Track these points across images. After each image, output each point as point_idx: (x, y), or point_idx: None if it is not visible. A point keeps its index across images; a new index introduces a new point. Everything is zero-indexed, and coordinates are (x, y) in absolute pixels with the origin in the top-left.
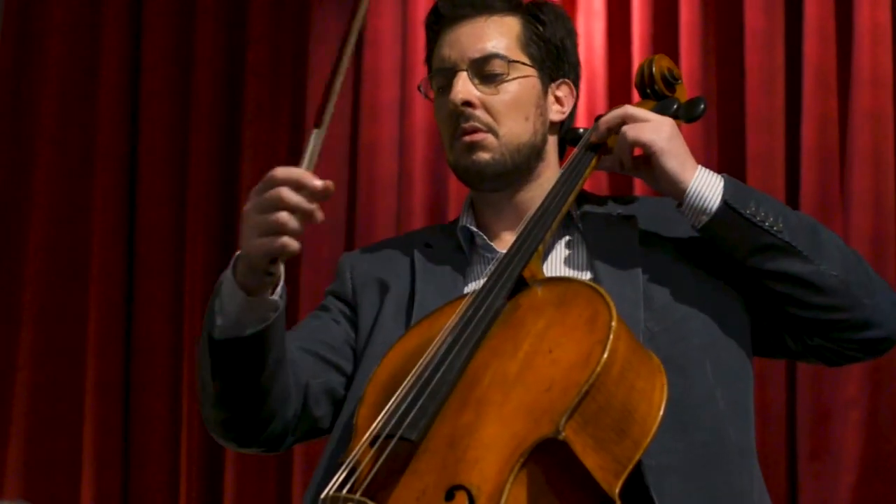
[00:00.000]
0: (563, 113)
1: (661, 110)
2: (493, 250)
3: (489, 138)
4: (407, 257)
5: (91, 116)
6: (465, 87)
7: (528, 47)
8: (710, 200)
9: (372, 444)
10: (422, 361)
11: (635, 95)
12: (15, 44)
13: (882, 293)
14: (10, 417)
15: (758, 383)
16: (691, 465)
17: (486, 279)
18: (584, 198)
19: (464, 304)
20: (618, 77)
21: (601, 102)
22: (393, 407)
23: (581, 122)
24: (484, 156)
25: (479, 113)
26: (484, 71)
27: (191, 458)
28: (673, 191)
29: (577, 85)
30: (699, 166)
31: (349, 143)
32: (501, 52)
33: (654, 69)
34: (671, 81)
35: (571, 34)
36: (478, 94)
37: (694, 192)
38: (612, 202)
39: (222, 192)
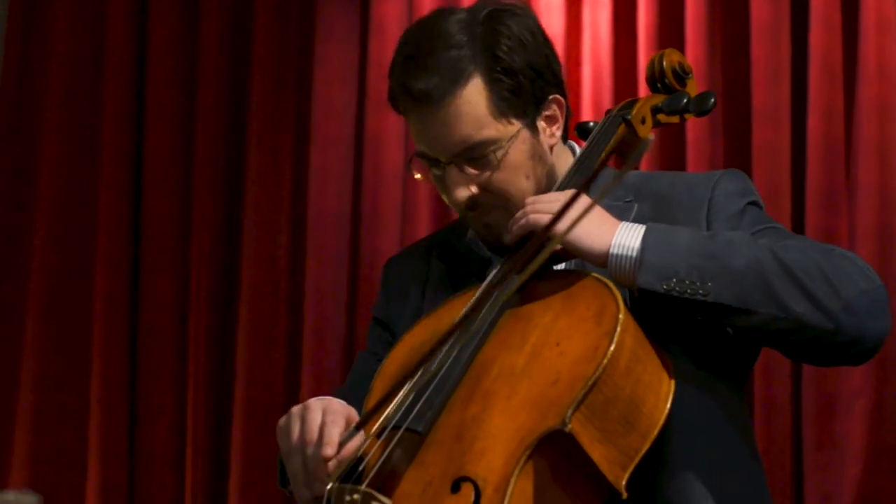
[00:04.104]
0: (559, 128)
1: (671, 104)
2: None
3: (500, 213)
4: (426, 261)
5: (96, 109)
6: (460, 186)
7: (504, 109)
8: (629, 281)
9: (379, 435)
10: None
11: (642, 87)
12: (21, 37)
13: (855, 302)
14: (16, 409)
15: (763, 375)
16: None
17: (493, 273)
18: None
19: (472, 297)
20: (623, 68)
21: (607, 94)
22: (400, 399)
23: (587, 115)
24: (501, 232)
25: (483, 198)
26: (471, 158)
27: (196, 449)
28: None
29: (558, 82)
30: (613, 242)
31: (354, 135)
32: (483, 136)
33: (664, 63)
34: (682, 75)
35: (530, 47)
36: (474, 183)
37: (613, 277)
38: (621, 188)
39: (228, 185)
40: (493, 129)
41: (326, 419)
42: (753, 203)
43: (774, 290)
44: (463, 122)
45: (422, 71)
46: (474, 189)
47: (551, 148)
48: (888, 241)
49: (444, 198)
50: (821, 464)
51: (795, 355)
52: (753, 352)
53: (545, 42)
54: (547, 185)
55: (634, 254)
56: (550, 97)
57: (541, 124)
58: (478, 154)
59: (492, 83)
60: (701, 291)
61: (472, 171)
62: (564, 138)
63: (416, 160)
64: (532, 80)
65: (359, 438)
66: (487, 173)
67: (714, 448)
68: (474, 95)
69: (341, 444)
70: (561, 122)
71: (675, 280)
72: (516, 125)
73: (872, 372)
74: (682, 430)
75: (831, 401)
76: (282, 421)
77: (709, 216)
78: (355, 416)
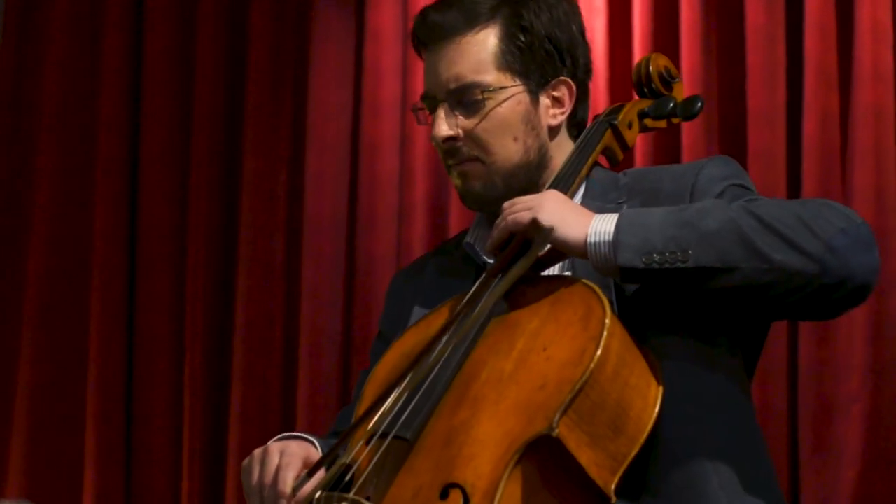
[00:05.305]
0: (563, 114)
1: (658, 108)
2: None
3: (477, 167)
4: (423, 270)
5: (93, 114)
6: (444, 122)
7: (510, 63)
8: (610, 265)
9: (367, 442)
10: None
11: (634, 94)
12: (16, 42)
13: (836, 241)
14: (12, 415)
15: (759, 378)
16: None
17: (482, 279)
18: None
19: (461, 303)
20: (619, 74)
21: (602, 99)
22: (388, 406)
23: None
24: (475, 184)
25: (463, 145)
26: (463, 100)
27: (192, 455)
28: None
29: (578, 75)
30: (589, 231)
31: (350, 139)
32: (478, 79)
33: (650, 68)
34: (668, 80)
35: (561, 24)
36: (459, 126)
37: (594, 265)
38: (614, 190)
39: (223, 190)
40: (491, 76)
41: (282, 462)
42: (738, 185)
43: (753, 243)
44: (465, 61)
45: (444, 5)
46: (458, 131)
47: (551, 129)
48: (883, 246)
49: (433, 141)
50: (817, 468)
51: (789, 311)
52: (756, 336)
53: (579, 31)
54: (538, 162)
55: (610, 237)
56: (561, 78)
57: (544, 100)
58: (470, 97)
59: (507, 36)
60: (681, 258)
61: (461, 114)
62: (572, 134)
63: (419, 106)
64: (547, 52)
65: (313, 482)
66: (475, 120)
67: (716, 436)
68: (485, 41)
69: (295, 489)
70: (567, 110)
71: (654, 254)
72: (517, 83)
73: (869, 376)
74: (681, 421)
75: (828, 405)
76: (245, 462)
77: (692, 201)
78: (315, 456)
